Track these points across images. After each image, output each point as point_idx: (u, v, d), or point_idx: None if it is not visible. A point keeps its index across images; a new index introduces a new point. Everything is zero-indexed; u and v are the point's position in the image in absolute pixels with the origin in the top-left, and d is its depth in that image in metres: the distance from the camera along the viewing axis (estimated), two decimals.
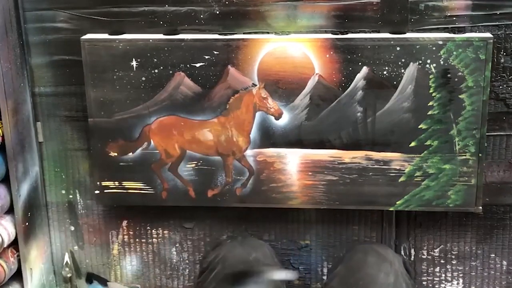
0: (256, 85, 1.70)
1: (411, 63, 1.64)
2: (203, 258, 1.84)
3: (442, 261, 1.86)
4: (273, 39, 1.68)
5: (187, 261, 1.94)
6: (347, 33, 1.69)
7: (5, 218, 1.78)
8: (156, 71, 1.71)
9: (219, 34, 1.72)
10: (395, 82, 1.66)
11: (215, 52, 1.69)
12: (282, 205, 1.79)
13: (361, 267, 1.61)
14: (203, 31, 1.73)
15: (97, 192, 1.84)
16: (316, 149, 1.73)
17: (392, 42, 1.64)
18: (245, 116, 1.73)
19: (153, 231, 1.93)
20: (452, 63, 1.63)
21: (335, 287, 1.63)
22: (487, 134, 1.69)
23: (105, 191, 1.82)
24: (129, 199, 1.82)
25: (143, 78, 1.72)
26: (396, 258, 1.67)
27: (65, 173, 1.90)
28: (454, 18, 1.67)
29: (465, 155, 1.69)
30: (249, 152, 1.75)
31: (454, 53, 1.63)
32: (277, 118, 1.72)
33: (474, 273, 1.86)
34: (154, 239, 1.93)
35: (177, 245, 1.93)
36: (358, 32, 1.70)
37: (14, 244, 1.80)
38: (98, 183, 1.82)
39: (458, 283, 1.87)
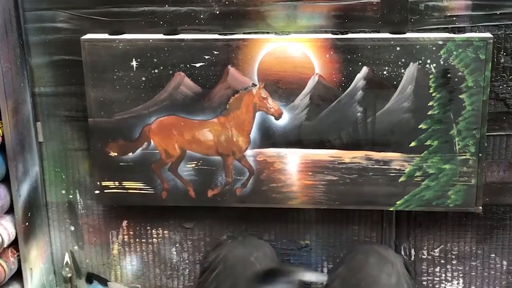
0: (256, 85, 1.70)
1: (411, 63, 1.64)
2: (203, 258, 1.84)
3: (442, 261, 1.86)
4: (273, 39, 1.68)
5: (187, 261, 1.94)
6: (347, 33, 1.69)
7: (5, 218, 1.78)
8: (156, 71, 1.71)
9: (219, 34, 1.72)
10: (395, 82, 1.66)
11: (215, 52, 1.69)
12: (282, 205, 1.79)
13: (363, 268, 1.61)
14: (203, 31, 1.73)
15: (97, 192, 1.84)
16: (316, 149, 1.73)
17: (392, 42, 1.64)
18: (245, 116, 1.73)
19: (153, 231, 1.93)
20: (452, 63, 1.63)
21: None
22: (487, 134, 1.69)
23: (105, 191, 1.82)
24: (129, 199, 1.82)
25: (143, 78, 1.72)
26: (397, 259, 1.67)
27: (65, 173, 1.90)
28: (454, 18, 1.67)
29: (465, 155, 1.69)
30: (249, 152, 1.75)
31: (454, 53, 1.63)
32: (277, 118, 1.72)
33: (474, 273, 1.86)
34: (154, 239, 1.93)
35: (177, 245, 1.93)
36: (358, 32, 1.70)
37: (14, 244, 1.80)
38: (98, 183, 1.82)
39: (458, 283, 1.87)
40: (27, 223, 1.82)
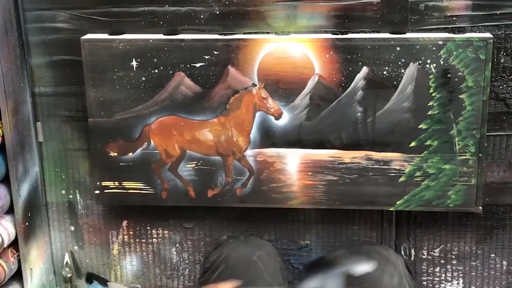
0: (256, 85, 1.70)
1: (411, 63, 1.64)
2: (205, 258, 1.84)
3: (442, 261, 1.86)
4: (273, 39, 1.68)
5: (187, 261, 1.94)
6: (347, 33, 1.69)
7: (5, 218, 1.78)
8: (156, 71, 1.71)
9: (219, 34, 1.72)
10: (395, 82, 1.66)
11: (215, 52, 1.69)
12: (282, 205, 1.79)
13: None
14: (203, 31, 1.73)
15: (97, 192, 1.84)
16: (316, 149, 1.73)
17: (392, 42, 1.64)
18: (245, 116, 1.73)
19: (153, 231, 1.93)
20: (452, 63, 1.63)
21: None
22: (487, 134, 1.69)
23: (105, 191, 1.82)
24: (129, 199, 1.82)
25: (143, 78, 1.72)
26: (399, 259, 1.67)
27: (65, 173, 1.90)
28: (454, 18, 1.67)
29: (465, 155, 1.69)
30: (249, 152, 1.75)
31: (454, 53, 1.63)
32: (277, 118, 1.72)
33: (474, 273, 1.86)
34: (154, 239, 1.93)
35: (177, 245, 1.93)
36: (358, 32, 1.70)
37: (14, 244, 1.80)
38: (98, 183, 1.82)
39: (458, 283, 1.87)
40: (27, 223, 1.82)
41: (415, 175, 1.71)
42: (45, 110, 1.85)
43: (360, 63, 1.66)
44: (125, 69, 1.72)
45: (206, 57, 1.69)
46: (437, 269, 1.87)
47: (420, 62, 1.64)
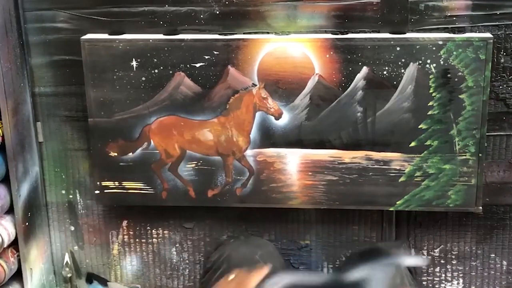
0: (256, 85, 1.70)
1: (411, 63, 1.64)
2: (206, 258, 1.84)
3: (442, 261, 1.86)
4: (273, 39, 1.68)
5: (187, 261, 1.94)
6: (347, 33, 1.69)
7: (5, 218, 1.78)
8: (156, 71, 1.71)
9: (219, 34, 1.72)
10: (395, 82, 1.66)
11: (215, 52, 1.69)
12: (282, 205, 1.79)
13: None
14: (203, 31, 1.73)
15: (97, 192, 1.84)
16: (316, 149, 1.73)
17: (392, 42, 1.64)
18: (245, 116, 1.73)
19: (153, 231, 1.93)
20: (452, 63, 1.63)
21: None
22: (487, 134, 1.69)
23: (105, 191, 1.82)
24: (129, 199, 1.82)
25: (143, 78, 1.72)
26: None
27: (65, 173, 1.90)
28: (454, 18, 1.67)
29: (465, 155, 1.69)
30: (249, 152, 1.75)
31: (454, 53, 1.63)
32: (277, 118, 1.72)
33: (474, 273, 1.86)
34: (154, 239, 1.93)
35: (177, 245, 1.93)
36: (358, 32, 1.70)
37: (14, 244, 1.80)
38: (98, 183, 1.82)
39: (458, 283, 1.87)
40: (27, 223, 1.82)
41: (415, 175, 1.71)
42: (45, 110, 1.85)
43: (360, 63, 1.66)
44: (125, 69, 1.72)
45: (206, 57, 1.69)
46: (437, 269, 1.87)
47: (420, 62, 1.64)
